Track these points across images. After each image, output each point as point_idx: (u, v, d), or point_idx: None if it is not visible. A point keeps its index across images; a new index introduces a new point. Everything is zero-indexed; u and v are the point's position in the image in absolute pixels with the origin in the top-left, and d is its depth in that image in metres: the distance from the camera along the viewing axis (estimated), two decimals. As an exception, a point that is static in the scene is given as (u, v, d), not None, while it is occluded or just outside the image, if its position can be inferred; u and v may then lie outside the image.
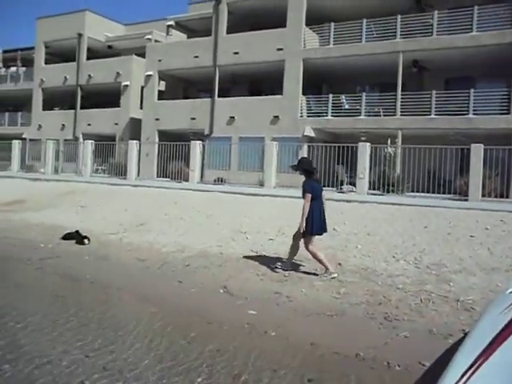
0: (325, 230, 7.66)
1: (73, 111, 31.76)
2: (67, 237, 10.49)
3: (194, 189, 15.19)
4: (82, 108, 31.68)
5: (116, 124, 29.21)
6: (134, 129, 27.94)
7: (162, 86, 28.13)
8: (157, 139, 25.47)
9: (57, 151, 24.17)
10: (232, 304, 6.45)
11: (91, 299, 6.74)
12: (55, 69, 32.88)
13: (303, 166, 7.69)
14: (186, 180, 18.07)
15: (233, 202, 12.81)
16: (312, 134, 21.29)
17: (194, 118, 24.70)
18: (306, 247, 7.50)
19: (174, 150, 19.08)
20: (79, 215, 12.85)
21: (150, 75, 26.62)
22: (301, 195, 7.62)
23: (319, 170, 17.12)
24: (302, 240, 7.59)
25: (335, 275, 7.33)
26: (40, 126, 33.40)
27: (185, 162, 18.74)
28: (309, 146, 19.39)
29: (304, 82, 21.90)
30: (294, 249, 7.79)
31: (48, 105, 34.23)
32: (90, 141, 22.41)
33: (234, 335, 5.35)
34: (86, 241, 10.10)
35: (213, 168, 21.23)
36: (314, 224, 7.41)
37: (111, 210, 12.95)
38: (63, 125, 32.03)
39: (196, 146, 18.38)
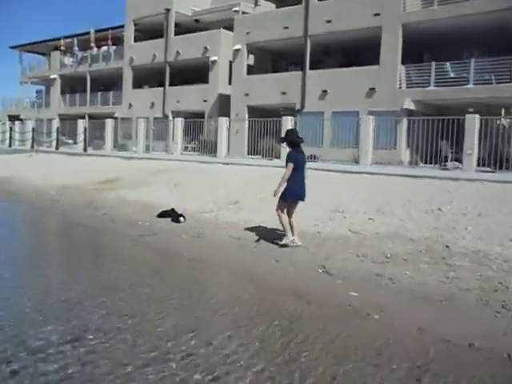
0: (301, 199, 8.44)
1: (161, 89, 32.92)
2: (163, 214, 11.05)
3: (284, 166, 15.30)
4: (170, 85, 32.74)
5: (205, 101, 29.95)
6: (223, 105, 28.51)
7: (251, 60, 28.36)
8: (246, 116, 25.81)
9: (147, 130, 25.44)
10: (331, 284, 6.52)
11: (189, 276, 7.10)
12: (144, 46, 34.20)
13: (289, 138, 8.59)
14: (278, 157, 18.23)
15: (327, 179, 12.78)
16: (412, 107, 20.55)
17: (284, 93, 24.73)
18: (276, 209, 8.35)
19: (264, 126, 19.31)
20: (173, 193, 13.46)
21: (239, 49, 26.91)
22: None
23: (419, 146, 16.60)
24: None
25: (296, 243, 8.21)
26: (130, 105, 35.03)
27: (276, 138, 18.92)
28: (408, 120, 18.78)
29: (403, 49, 21.10)
30: (284, 221, 8.45)
31: (137, 83, 35.79)
32: (180, 118, 23.27)
33: (336, 317, 5.41)
34: (181, 219, 10.58)
35: (305, 144, 21.16)
36: (289, 192, 8.25)
37: (203, 188, 13.43)
38: (152, 103, 33.35)
39: (287, 122, 18.44)
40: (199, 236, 9.39)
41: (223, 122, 20.74)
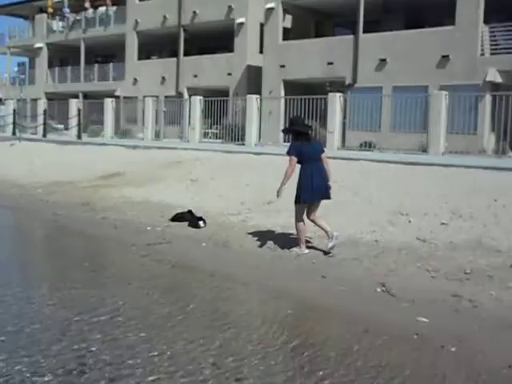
0: (324, 197, 8.75)
1: (174, 60, 33.29)
2: (178, 218, 11.19)
3: (334, 156, 15.23)
4: (185, 55, 33.08)
5: (229, 74, 30.15)
6: (253, 80, 28.63)
7: (288, 21, 28.34)
8: (282, 92, 25.93)
9: (157, 111, 25.76)
10: (394, 307, 6.49)
11: (212, 296, 7.17)
12: (152, 6, 34.47)
13: (293, 128, 8.93)
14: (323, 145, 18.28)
15: (386, 173, 12.74)
16: (498, 80, 20.25)
17: (330, 63, 24.70)
18: (295, 217, 8.76)
19: (305, 106, 19.31)
20: (190, 191, 13.63)
21: (272, 8, 26.97)
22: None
23: (508, 130, 16.31)
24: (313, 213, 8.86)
25: (305, 251, 8.73)
26: (135, 81, 35.55)
27: (320, 121, 18.91)
28: (493, 97, 18.50)
29: (486, 4, 20.78)
30: (316, 224, 8.92)
31: (144, 53, 36.25)
32: (198, 97, 23.46)
33: (400, 349, 5.39)
34: (201, 223, 10.70)
35: (357, 129, 21.21)
36: (304, 191, 8.55)
37: (229, 184, 13.56)
38: (163, 77, 33.76)
39: (334, 101, 18.47)
40: (224, 245, 9.48)
41: (253, 100, 20.85)
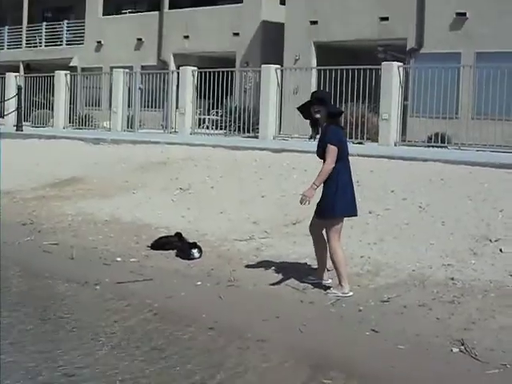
0: (353, 213, 9.16)
1: (156, 14, 33.37)
2: (161, 245, 11.28)
3: (389, 155, 15.26)
4: (172, 7, 33.14)
5: (235, 35, 30.19)
6: (270, 42, 28.62)
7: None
8: (314, 61, 25.98)
9: (130, 89, 25.84)
10: (477, 375, 6.48)
11: (215, 361, 7.09)
12: None
13: (318, 105, 8.95)
14: (373, 139, 18.29)
15: (467, 180, 12.69)
16: None
17: (385, 19, 24.71)
18: (329, 240, 8.93)
19: (346, 80, 19.30)
20: (179, 206, 13.68)
21: None
22: None
23: None
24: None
25: (349, 294, 8.81)
26: (99, 45, 35.69)
27: (369, 103, 18.93)
28: None
29: None
30: (320, 250, 9.29)
31: (113, 5, 36.36)
32: (190, 68, 23.49)
33: None
34: (194, 252, 10.77)
35: (424, 115, 21.06)
36: (341, 199, 8.81)
37: (236, 195, 13.62)
38: (139, 40, 33.85)
39: (391, 73, 18.46)
40: (230, 284, 9.51)
41: (270, 73, 20.87)
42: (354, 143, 18.45)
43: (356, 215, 9.26)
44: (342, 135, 9.29)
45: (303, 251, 10.47)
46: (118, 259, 10.96)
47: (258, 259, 10.48)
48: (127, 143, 20.08)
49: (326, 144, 8.77)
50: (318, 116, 8.98)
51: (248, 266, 10.21)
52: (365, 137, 19.08)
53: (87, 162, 18.25)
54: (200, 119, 24.86)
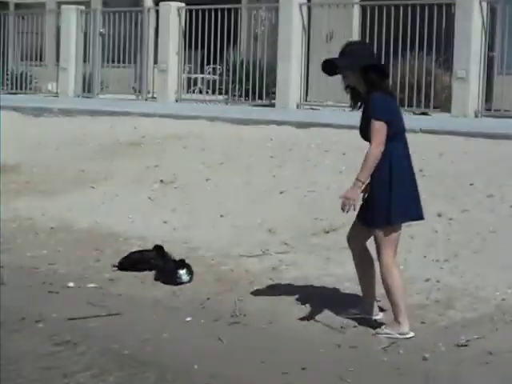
0: (419, 215, 9.07)
1: None
2: (134, 263, 11.25)
3: (466, 131, 15.24)
4: None
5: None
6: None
7: None
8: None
9: (87, 36, 25.88)
10: None
11: None
12: None
13: (359, 62, 8.80)
14: (444, 107, 18.31)
15: None
16: None
17: None
18: (382, 257, 8.78)
19: (402, 21, 19.29)
20: (159, 206, 13.73)
21: None
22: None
23: None
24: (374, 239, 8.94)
25: (409, 334, 8.68)
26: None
27: (439, 56, 18.95)
28: None
29: None
30: (365, 272, 9.27)
31: None
32: (175, 3, 23.51)
33: None
34: (182, 274, 10.69)
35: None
36: (397, 198, 8.62)
37: (242, 191, 13.66)
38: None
39: (469, 12, 18.45)
40: (234, 321, 9.43)
41: (293, 9, 20.87)
42: (414, 114, 18.49)
43: (422, 218, 9.13)
44: (394, 104, 9.13)
45: (340, 272, 10.46)
46: (70, 284, 10.86)
47: (274, 283, 10.43)
48: (83, 115, 20.16)
49: (370, 119, 8.67)
50: (348, 83, 9.00)
51: (260, 294, 10.12)
52: (431, 105, 19.02)
53: (24, 142, 18.28)
54: (190, 80, 24.87)
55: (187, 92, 23.96)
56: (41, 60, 28.41)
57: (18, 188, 15.39)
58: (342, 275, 10.28)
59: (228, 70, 23.77)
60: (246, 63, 23.08)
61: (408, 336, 8.61)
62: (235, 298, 10.00)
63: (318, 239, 11.52)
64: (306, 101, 21.26)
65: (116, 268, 11.32)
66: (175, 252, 11.28)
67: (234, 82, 22.92)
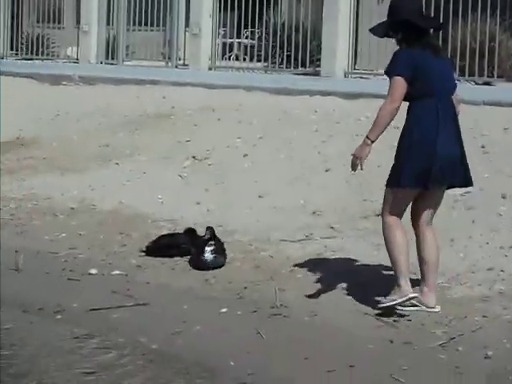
0: (460, 182, 9.31)
1: None
2: (162, 247, 11.25)
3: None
4: None
5: None
6: None
7: None
8: None
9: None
10: None
11: None
12: None
13: (398, 17, 9.32)
14: (510, 76, 18.22)
15: None
16: None
17: None
18: (384, 213, 9.24)
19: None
20: (191, 185, 13.79)
21: None
22: None
23: None
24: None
25: (412, 295, 8.95)
26: None
27: (504, 17, 18.86)
28: None
29: None
30: (425, 254, 9.25)
31: None
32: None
33: None
34: (215, 257, 10.77)
35: None
36: (411, 161, 8.96)
37: (285, 169, 13.67)
38: None
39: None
40: (274, 313, 9.43)
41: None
42: (476, 84, 18.41)
43: (464, 185, 9.44)
44: (426, 62, 9.07)
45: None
46: (93, 271, 10.88)
47: (318, 271, 10.44)
48: (106, 83, 20.18)
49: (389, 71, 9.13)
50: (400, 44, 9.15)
51: (303, 283, 10.13)
52: (495, 73, 18.93)
53: (42, 113, 18.32)
54: (225, 45, 24.87)
55: (222, 59, 23.94)
56: (59, 22, 28.38)
57: (34, 164, 15.41)
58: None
59: (267, 34, 23.68)
60: (287, 26, 23.04)
61: (410, 296, 8.83)
62: (275, 288, 9.94)
63: (367, 223, 11.51)
64: (354, 69, 21.23)
65: (143, 253, 11.33)
66: (209, 232, 11.24)
67: (274, 47, 22.87)
